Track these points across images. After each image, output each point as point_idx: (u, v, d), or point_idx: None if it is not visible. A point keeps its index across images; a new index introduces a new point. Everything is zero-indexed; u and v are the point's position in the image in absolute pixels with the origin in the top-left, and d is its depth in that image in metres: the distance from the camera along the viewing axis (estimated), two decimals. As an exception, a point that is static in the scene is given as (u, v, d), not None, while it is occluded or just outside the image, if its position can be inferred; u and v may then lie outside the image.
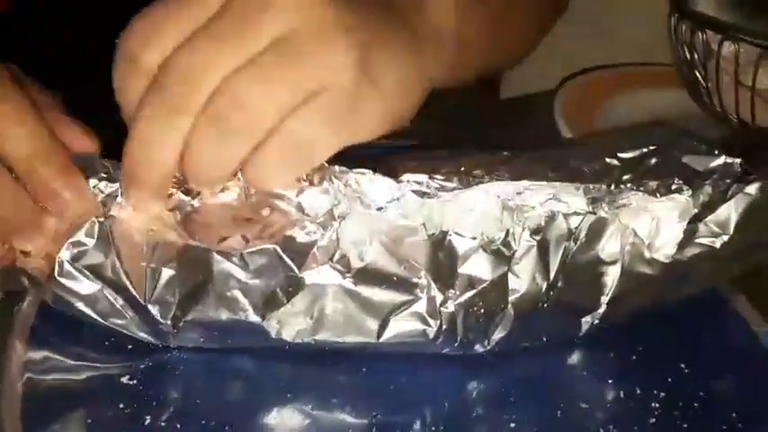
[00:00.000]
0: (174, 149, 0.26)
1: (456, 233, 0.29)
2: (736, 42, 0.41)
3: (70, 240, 0.28)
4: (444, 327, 0.29)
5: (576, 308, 0.30)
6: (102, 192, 0.28)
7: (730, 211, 0.31)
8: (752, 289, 0.35)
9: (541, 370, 0.31)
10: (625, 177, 0.31)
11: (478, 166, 0.30)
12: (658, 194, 0.30)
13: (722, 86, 0.42)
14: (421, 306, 0.29)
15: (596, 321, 0.30)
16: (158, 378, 0.29)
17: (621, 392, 0.30)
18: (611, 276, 0.30)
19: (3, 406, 0.28)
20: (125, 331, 0.29)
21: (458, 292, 0.29)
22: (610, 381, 0.31)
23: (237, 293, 0.28)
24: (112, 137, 0.28)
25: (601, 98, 0.48)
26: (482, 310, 0.29)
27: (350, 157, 0.30)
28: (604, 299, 0.30)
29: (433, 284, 0.28)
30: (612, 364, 0.32)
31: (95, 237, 0.28)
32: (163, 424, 0.28)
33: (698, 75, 0.42)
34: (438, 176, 0.29)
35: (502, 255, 0.29)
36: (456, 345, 0.30)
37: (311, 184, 0.28)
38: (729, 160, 0.31)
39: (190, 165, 0.26)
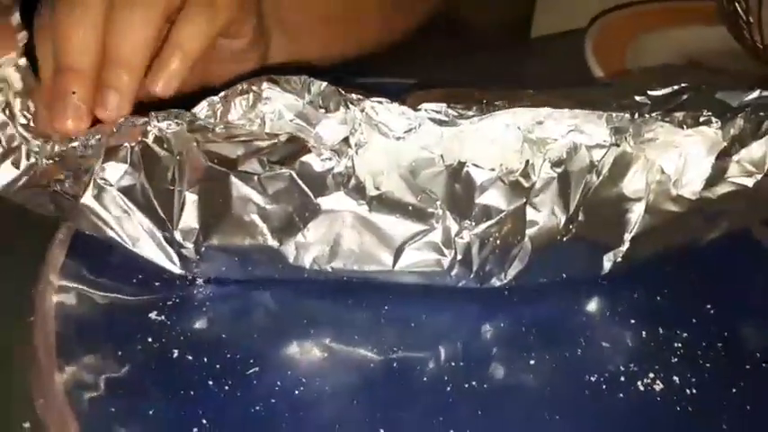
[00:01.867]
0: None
1: (474, 164, 0.29)
2: (780, -26, 0.39)
3: (103, 164, 0.29)
4: (459, 257, 0.29)
5: (597, 244, 0.30)
6: (134, 124, 0.29)
7: (766, 149, 0.30)
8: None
9: (563, 308, 0.32)
10: (654, 114, 0.30)
11: (501, 99, 0.30)
12: (685, 126, 0.29)
13: (764, 20, 0.41)
14: (436, 236, 0.29)
15: (619, 259, 0.30)
16: (185, 314, 0.31)
17: (644, 332, 0.31)
18: (636, 213, 0.30)
19: (37, 338, 0.29)
20: (150, 257, 0.30)
21: (473, 223, 0.29)
22: (632, 321, 0.31)
23: (256, 218, 0.29)
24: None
25: (633, 36, 0.47)
26: (498, 242, 0.29)
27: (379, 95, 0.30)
28: (627, 236, 0.30)
29: (448, 214, 0.29)
30: (636, 304, 0.32)
31: (127, 161, 0.29)
32: (190, 357, 0.29)
33: (738, 7, 0.41)
34: (458, 105, 0.29)
35: (520, 186, 0.29)
36: (472, 276, 0.30)
37: (327, 111, 0.28)
38: (765, 93, 0.30)
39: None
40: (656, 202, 0.30)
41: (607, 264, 0.31)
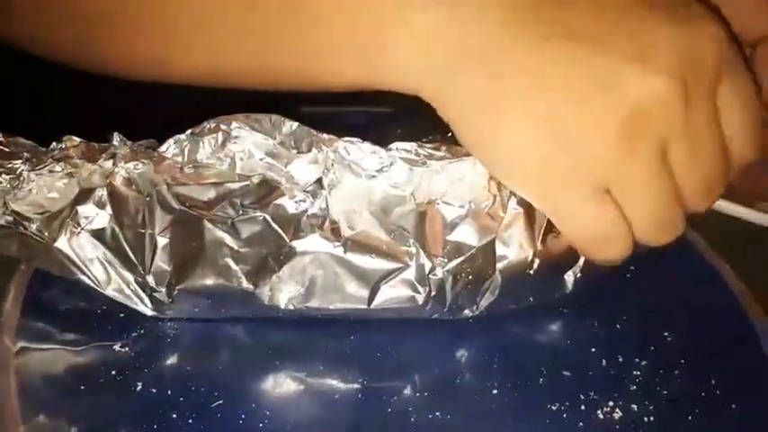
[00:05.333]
0: None
1: (444, 202, 0.30)
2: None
3: (75, 207, 0.29)
4: (433, 293, 0.30)
5: (558, 266, 0.31)
6: (101, 167, 0.29)
7: None
8: (737, 258, 0.35)
9: (525, 338, 0.33)
10: None
11: None
12: None
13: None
14: (410, 273, 0.30)
15: (578, 274, 0.32)
16: (149, 346, 0.31)
17: (604, 360, 0.32)
18: None
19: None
20: (121, 301, 0.31)
21: (446, 260, 0.30)
22: (593, 349, 0.32)
23: (230, 261, 0.30)
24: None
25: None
26: (470, 277, 0.31)
27: (338, 127, 0.30)
28: None
29: (421, 252, 0.30)
30: (596, 333, 0.33)
31: (98, 204, 0.29)
32: (154, 390, 0.29)
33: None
34: (427, 145, 0.29)
35: (489, 222, 0.30)
36: (445, 310, 0.31)
37: (299, 151, 0.29)
38: None
39: None
40: None
41: (569, 281, 0.32)
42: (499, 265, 0.30)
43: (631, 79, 0.25)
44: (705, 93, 0.26)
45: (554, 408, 0.29)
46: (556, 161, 0.26)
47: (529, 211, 0.30)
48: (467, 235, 0.30)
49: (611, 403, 0.30)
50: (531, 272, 0.31)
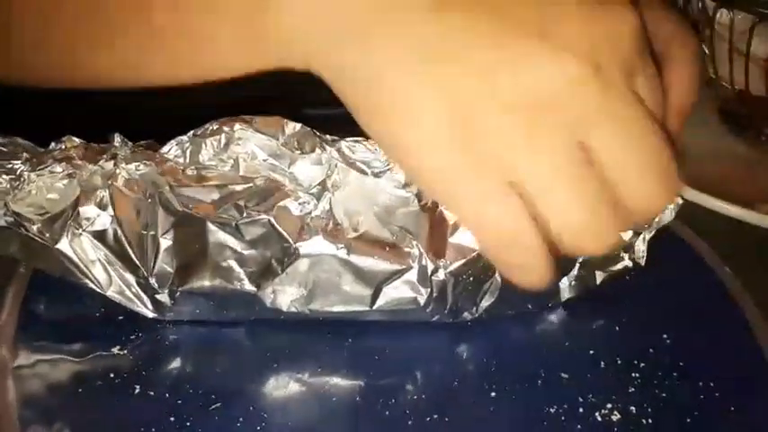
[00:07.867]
0: None
1: None
2: (731, 10, 0.41)
3: (77, 208, 0.29)
4: (435, 294, 0.31)
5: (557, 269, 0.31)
6: (102, 168, 0.30)
7: None
8: (736, 261, 0.35)
9: (523, 339, 0.33)
10: None
11: None
12: None
13: (717, 54, 0.42)
14: (412, 275, 0.30)
15: (573, 282, 0.32)
16: (148, 348, 0.31)
17: (602, 362, 0.32)
18: None
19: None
20: (122, 303, 0.31)
21: (448, 261, 0.30)
22: (591, 351, 0.32)
23: (233, 263, 0.30)
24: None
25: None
26: (471, 278, 0.31)
27: (340, 128, 0.30)
28: (578, 260, 0.32)
29: (424, 253, 0.30)
30: (595, 335, 0.33)
31: (99, 206, 0.29)
32: (152, 393, 0.29)
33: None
34: None
35: None
36: (446, 312, 0.32)
37: (303, 152, 0.29)
38: None
39: None
40: None
41: (564, 288, 0.32)
42: None
43: (538, 57, 0.22)
44: (621, 77, 0.23)
45: (552, 410, 0.30)
46: (456, 145, 0.23)
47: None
48: (469, 237, 0.30)
49: (609, 405, 0.30)
50: None
